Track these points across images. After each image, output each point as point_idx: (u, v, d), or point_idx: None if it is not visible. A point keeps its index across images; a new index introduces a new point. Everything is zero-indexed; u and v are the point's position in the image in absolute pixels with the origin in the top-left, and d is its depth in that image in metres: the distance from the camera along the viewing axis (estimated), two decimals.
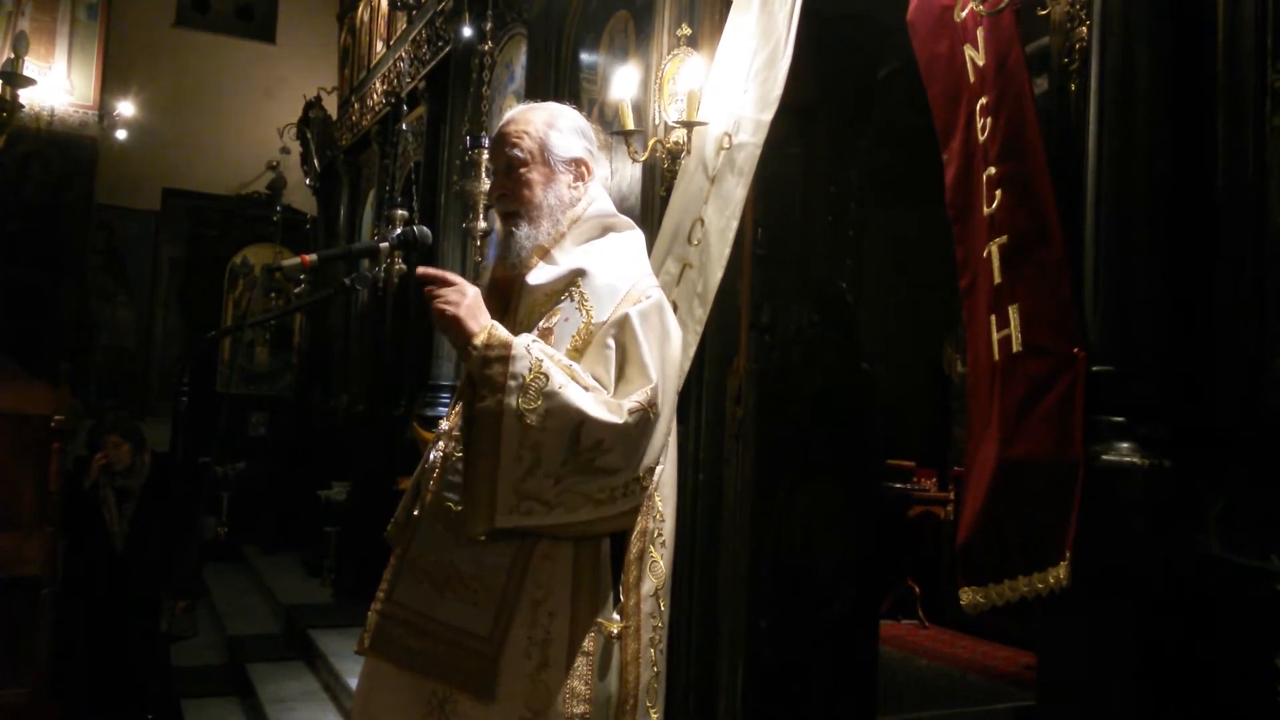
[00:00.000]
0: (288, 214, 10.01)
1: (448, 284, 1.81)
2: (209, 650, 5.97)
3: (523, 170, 1.98)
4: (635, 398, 1.75)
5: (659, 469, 1.89)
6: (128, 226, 10.01)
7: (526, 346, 1.76)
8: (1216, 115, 1.87)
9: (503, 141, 2.01)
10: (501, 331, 1.79)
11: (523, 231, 1.97)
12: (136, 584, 4.57)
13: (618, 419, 1.73)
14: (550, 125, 2.02)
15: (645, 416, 1.75)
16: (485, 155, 4.21)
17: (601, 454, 1.73)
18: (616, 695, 1.84)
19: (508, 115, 2.07)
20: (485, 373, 1.74)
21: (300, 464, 8.62)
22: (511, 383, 1.72)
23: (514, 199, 1.98)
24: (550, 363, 1.75)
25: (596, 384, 1.79)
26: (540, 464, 1.72)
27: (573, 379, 1.76)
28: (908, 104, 3.83)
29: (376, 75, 7.66)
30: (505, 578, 1.78)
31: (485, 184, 4.31)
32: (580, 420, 1.72)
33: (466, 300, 1.80)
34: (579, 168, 2.02)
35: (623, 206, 3.64)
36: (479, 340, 1.77)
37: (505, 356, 1.74)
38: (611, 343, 1.82)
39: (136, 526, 4.65)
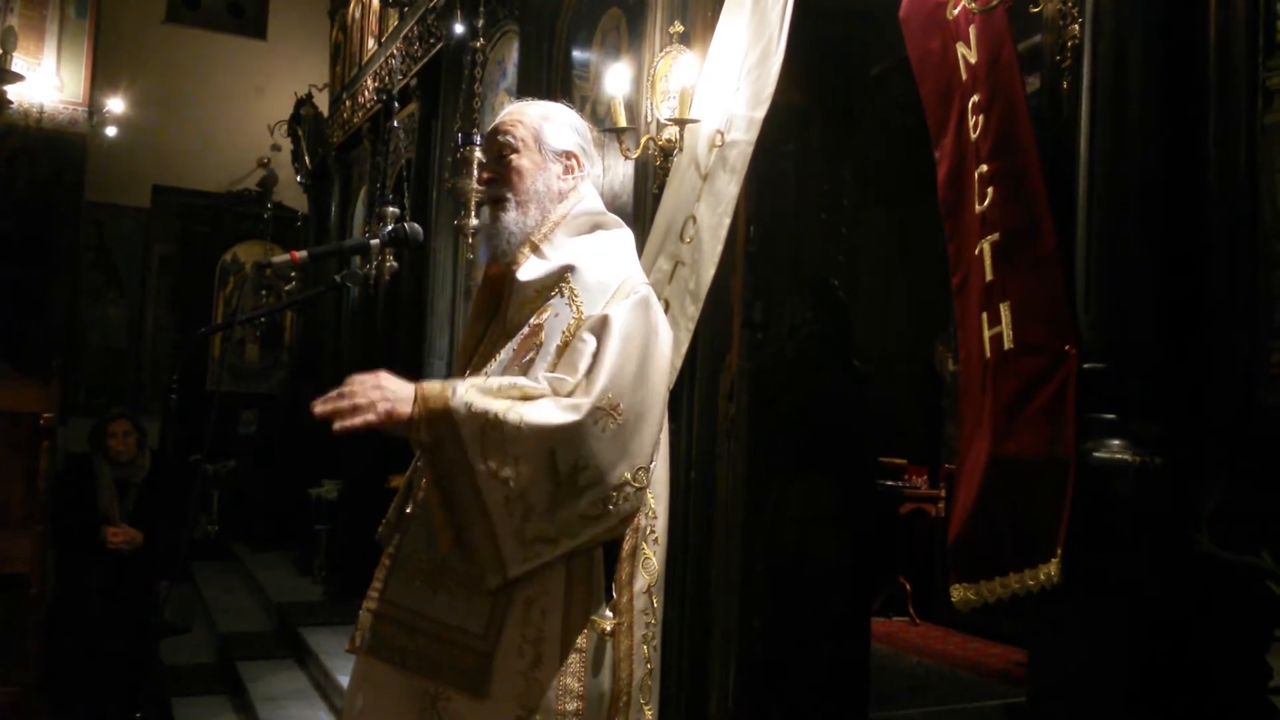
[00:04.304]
0: (278, 211, 9.98)
1: (342, 395, 1.69)
2: (199, 648, 5.95)
3: (513, 157, 1.98)
4: (591, 398, 1.71)
5: (651, 466, 1.89)
6: (118, 224, 9.97)
7: (467, 405, 1.69)
8: (1208, 113, 1.88)
9: (496, 131, 2.03)
10: (434, 399, 1.70)
11: (510, 216, 1.96)
12: (132, 579, 4.56)
13: (576, 416, 1.69)
14: (545, 118, 2.03)
15: (608, 418, 1.71)
16: (477, 152, 4.21)
17: (581, 472, 1.71)
18: (610, 692, 1.83)
19: (504, 110, 2.09)
20: (440, 449, 1.70)
21: (291, 462, 8.59)
22: (471, 449, 1.68)
23: (502, 184, 1.98)
24: (496, 403, 1.70)
25: (562, 378, 1.75)
26: (534, 509, 1.70)
27: (525, 397, 1.72)
28: (900, 101, 3.84)
29: (368, 72, 7.63)
30: None
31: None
32: (551, 447, 1.69)
33: (379, 387, 1.70)
34: (570, 160, 2.02)
35: (615, 204, 3.64)
36: (417, 417, 1.69)
37: (453, 428, 1.68)
38: (588, 337, 1.81)
39: (135, 522, 4.65)
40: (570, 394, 1.74)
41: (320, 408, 1.70)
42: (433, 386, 1.73)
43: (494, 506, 1.69)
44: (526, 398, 1.74)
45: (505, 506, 1.69)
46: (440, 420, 1.69)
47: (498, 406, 1.70)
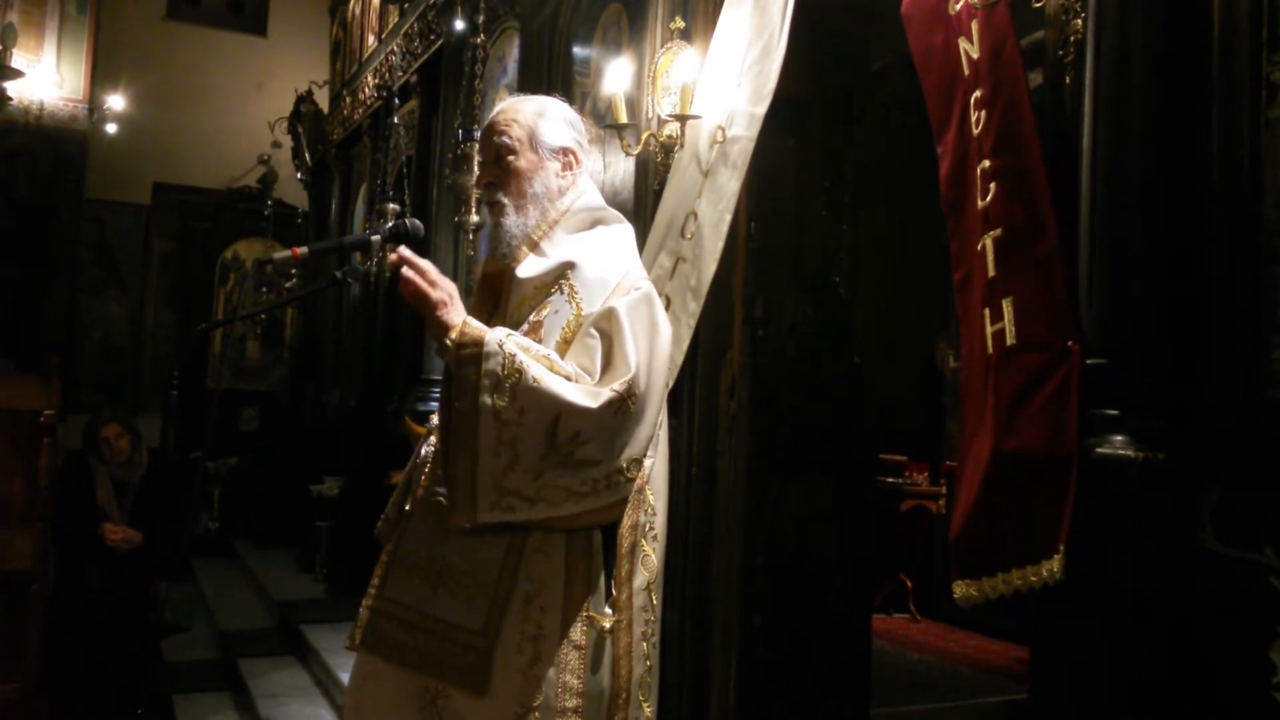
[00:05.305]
0: (279, 208, 9.97)
1: (426, 268, 1.82)
2: (200, 645, 5.95)
3: (511, 158, 1.98)
4: (613, 386, 1.75)
5: (648, 462, 1.88)
6: (118, 221, 9.96)
7: (499, 342, 1.75)
8: (1211, 107, 1.87)
9: (492, 130, 2.02)
10: (474, 328, 1.79)
11: (510, 220, 1.97)
12: (132, 578, 4.56)
13: (593, 404, 1.72)
14: (540, 115, 2.02)
15: (623, 405, 1.74)
16: (477, 148, 4.20)
17: (579, 446, 1.73)
18: (609, 689, 1.83)
19: (498, 106, 2.08)
20: (460, 372, 1.75)
21: (292, 459, 8.59)
22: (485, 381, 1.72)
23: (502, 187, 1.98)
24: (525, 356, 1.75)
25: (581, 372, 1.79)
26: (519, 460, 1.72)
27: (551, 369, 1.76)
28: (900, 99, 3.83)
29: (368, 69, 7.62)
30: (498, 572, 1.77)
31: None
32: (557, 412, 1.72)
33: (445, 290, 1.81)
34: (567, 157, 2.02)
35: (615, 201, 3.63)
36: (453, 336, 1.77)
37: (478, 355, 1.74)
38: (595, 332, 1.82)
39: (134, 521, 4.66)
40: (589, 385, 1.77)
41: (405, 254, 1.82)
42: (477, 321, 1.84)
43: (484, 443, 1.72)
44: (552, 370, 1.77)
45: (494, 447, 1.72)
46: (472, 343, 1.76)
47: (524, 358, 1.75)
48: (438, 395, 1.96)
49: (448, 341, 1.78)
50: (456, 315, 1.80)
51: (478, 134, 4.22)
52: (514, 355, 1.74)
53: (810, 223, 3.48)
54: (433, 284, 1.80)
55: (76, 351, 9.29)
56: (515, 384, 1.72)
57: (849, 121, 3.61)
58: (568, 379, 1.77)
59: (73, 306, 9.39)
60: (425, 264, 1.82)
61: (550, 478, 1.73)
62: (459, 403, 1.74)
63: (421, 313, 1.82)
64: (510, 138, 1.99)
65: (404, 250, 1.84)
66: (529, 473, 1.72)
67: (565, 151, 2.02)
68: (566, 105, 2.10)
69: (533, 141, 1.99)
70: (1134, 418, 1.86)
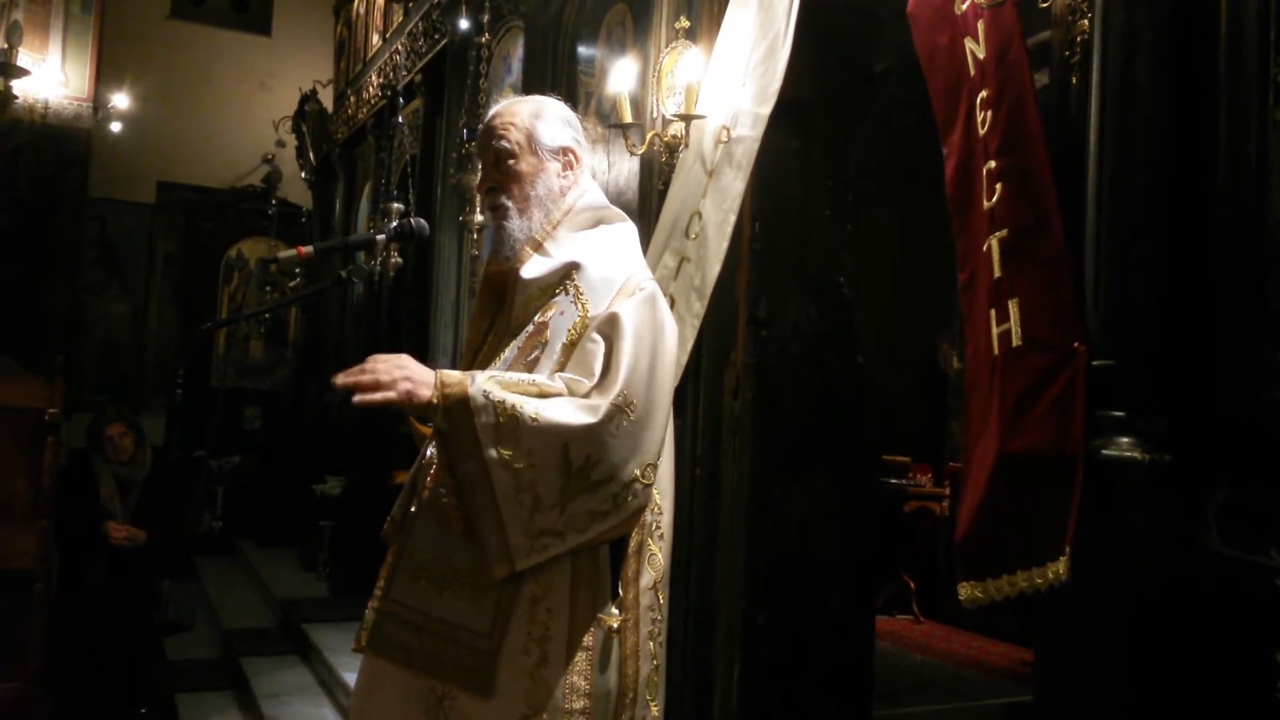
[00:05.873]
0: (283, 207, 9.99)
1: (365, 370, 1.70)
2: (203, 644, 5.96)
3: (511, 162, 1.97)
4: (611, 399, 1.72)
5: (659, 463, 1.88)
6: (122, 219, 9.98)
7: (484, 393, 1.70)
8: (1218, 108, 1.86)
9: (489, 134, 2.00)
10: (453, 389, 1.70)
11: (514, 223, 1.96)
12: (135, 576, 4.57)
13: (594, 420, 1.70)
14: (536, 116, 2.01)
15: (624, 415, 1.72)
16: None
17: (593, 466, 1.71)
18: (616, 689, 1.83)
19: (494, 109, 2.07)
20: (455, 436, 1.70)
21: (295, 458, 8.60)
22: (484, 437, 1.68)
23: (503, 190, 1.97)
24: (513, 395, 1.71)
25: (577, 379, 1.76)
26: (541, 500, 1.70)
27: (542, 394, 1.73)
28: (901, 99, 3.83)
29: (372, 68, 7.63)
30: None
31: None
32: (564, 442, 1.69)
33: (402, 367, 1.72)
34: (567, 156, 2.01)
35: (620, 200, 3.63)
36: (435, 401, 1.70)
37: (468, 415, 1.69)
38: (598, 337, 1.80)
39: (138, 519, 4.66)
40: (586, 395, 1.74)
41: (342, 379, 1.69)
42: (453, 374, 1.75)
43: (503, 496, 1.69)
44: (543, 395, 1.74)
45: (514, 497, 1.69)
46: (458, 406, 1.70)
47: (514, 399, 1.70)
48: None
49: (434, 416, 1.71)
50: (425, 389, 1.71)
51: None
52: (502, 400, 1.69)
53: (814, 223, 3.48)
54: (388, 385, 1.68)
55: (79, 350, 9.30)
56: (515, 429, 1.68)
57: (852, 122, 3.61)
58: (559, 396, 1.74)
59: (76, 305, 9.39)
60: (367, 368, 1.70)
61: (573, 506, 1.71)
62: (464, 465, 1.70)
63: (395, 409, 1.73)
64: (509, 141, 1.97)
65: (338, 378, 1.70)
66: (554, 509, 1.70)
67: (565, 151, 2.01)
68: (562, 104, 2.08)
69: (532, 143, 1.98)
70: (1139, 419, 1.85)
